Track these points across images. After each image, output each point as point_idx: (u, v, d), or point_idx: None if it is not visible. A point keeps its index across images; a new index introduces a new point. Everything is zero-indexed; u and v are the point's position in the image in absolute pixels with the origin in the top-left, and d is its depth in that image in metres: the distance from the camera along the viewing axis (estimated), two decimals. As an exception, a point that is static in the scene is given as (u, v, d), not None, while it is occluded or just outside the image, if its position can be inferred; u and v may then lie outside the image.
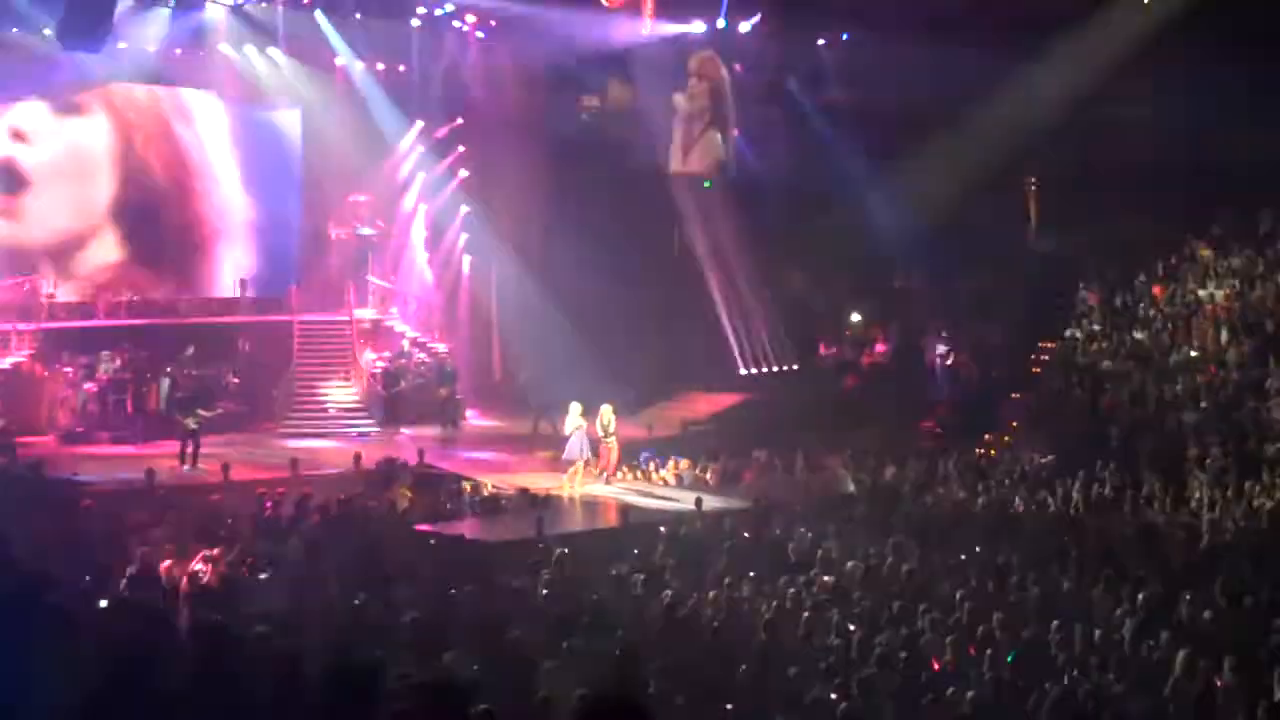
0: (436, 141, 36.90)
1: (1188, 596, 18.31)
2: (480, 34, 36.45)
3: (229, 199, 35.28)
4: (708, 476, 29.27)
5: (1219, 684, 14.47)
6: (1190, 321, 34.52)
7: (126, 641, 8.12)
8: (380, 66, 35.74)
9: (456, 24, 35.93)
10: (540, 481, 27.87)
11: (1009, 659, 15.09)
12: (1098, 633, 16.68)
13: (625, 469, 29.44)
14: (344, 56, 35.28)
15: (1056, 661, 15.36)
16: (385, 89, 35.87)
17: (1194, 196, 36.61)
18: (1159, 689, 14.47)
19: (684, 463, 29.91)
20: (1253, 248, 35.68)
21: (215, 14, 33.25)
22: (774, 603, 17.11)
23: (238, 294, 35.09)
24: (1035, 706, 13.73)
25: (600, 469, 28.50)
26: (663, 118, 39.53)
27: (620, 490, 27.81)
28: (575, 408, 28.22)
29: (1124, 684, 14.52)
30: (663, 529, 23.08)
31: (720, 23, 38.65)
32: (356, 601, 16.89)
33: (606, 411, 28.70)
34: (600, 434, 28.38)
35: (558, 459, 28.74)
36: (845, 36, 39.73)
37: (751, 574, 19.00)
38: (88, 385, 31.22)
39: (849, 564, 20.23)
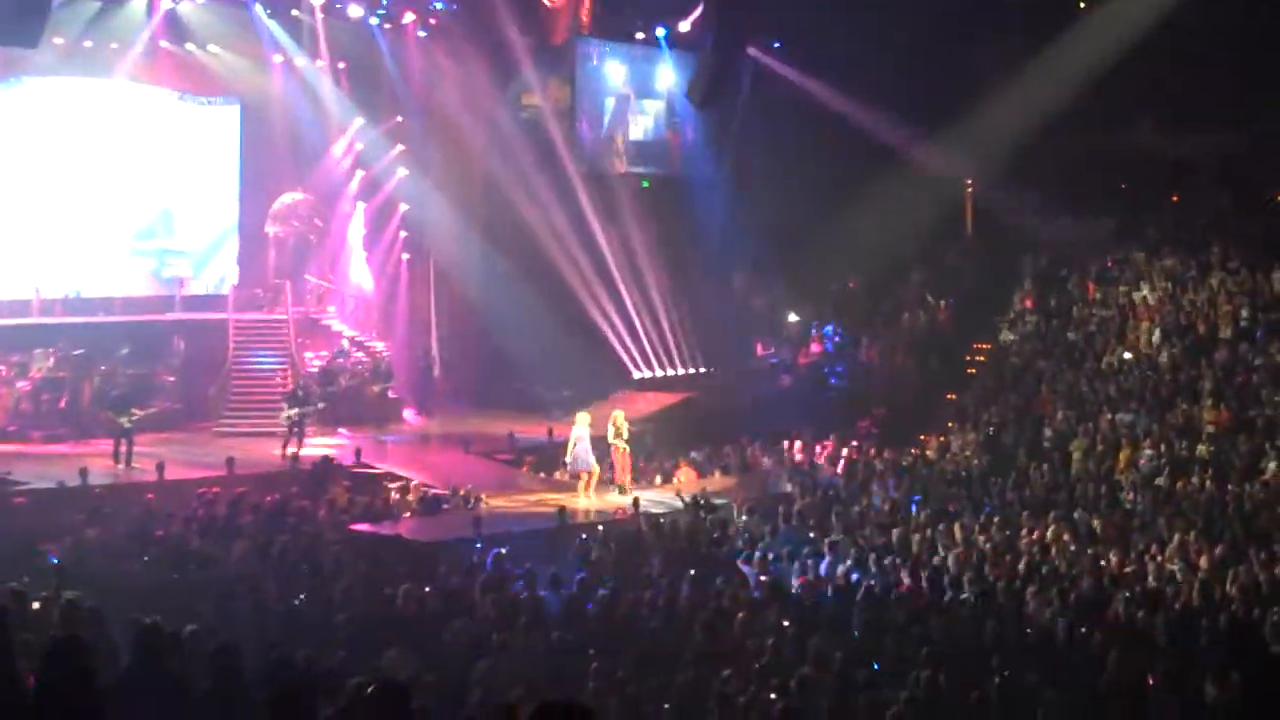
0: (375, 140, 36.72)
1: (1127, 594, 18.51)
2: (421, 32, 36.33)
3: (164, 195, 34.96)
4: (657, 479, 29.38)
5: (1150, 684, 14.60)
6: (1124, 323, 34.87)
7: (61, 640, 8.05)
8: (319, 64, 35.50)
9: (398, 21, 35.77)
10: (480, 481, 27.79)
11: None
12: (1031, 632, 16.83)
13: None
14: (283, 53, 35.05)
15: (991, 662, 15.45)
16: (324, 86, 35.65)
17: (1129, 198, 37.10)
18: (1092, 689, 14.59)
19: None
20: (1185, 250, 36.06)
21: (152, 8, 32.93)
22: (711, 603, 17.14)
23: (174, 292, 34.78)
24: (970, 706, 13.84)
25: (612, 477, 28.25)
26: (601, 116, 39.72)
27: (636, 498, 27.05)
28: (583, 417, 27.92)
29: (1057, 684, 14.62)
30: (600, 528, 23.08)
31: (660, 31, 38.97)
32: (295, 602, 16.85)
33: (619, 417, 28.44)
34: (612, 440, 28.14)
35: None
36: (776, 45, 39.96)
37: (690, 573, 19.02)
38: (21, 384, 30.93)
39: (785, 564, 20.35)
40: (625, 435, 28.15)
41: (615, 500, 26.78)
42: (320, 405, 31.95)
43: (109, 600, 14.09)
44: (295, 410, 29.92)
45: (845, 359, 38.77)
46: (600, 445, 27.80)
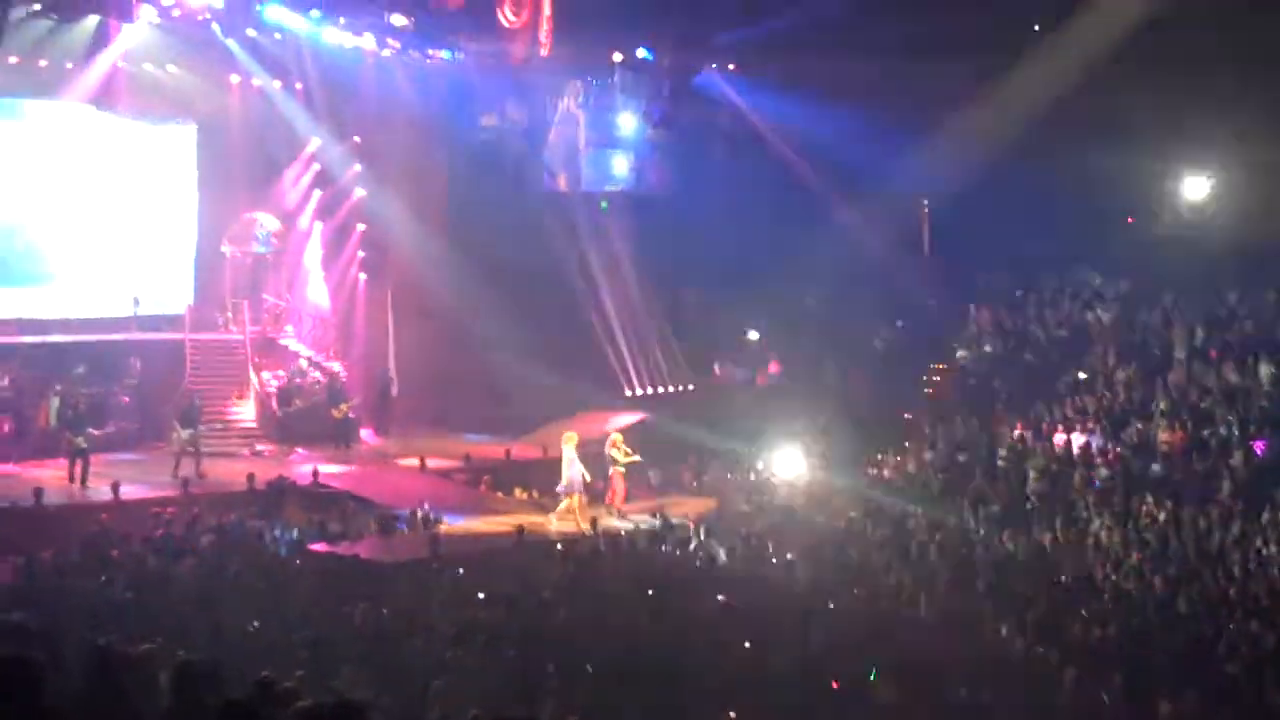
0: (334, 159, 36.62)
1: (1083, 612, 18.63)
2: (383, 52, 36.18)
3: (122, 215, 34.79)
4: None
5: (1106, 702, 14.69)
6: (1079, 343, 35.08)
7: (7, 661, 7.99)
8: (277, 84, 35.40)
9: (356, 41, 35.64)
10: (438, 501, 27.69)
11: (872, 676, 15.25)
12: (988, 651, 16.91)
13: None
14: (240, 72, 34.94)
15: (947, 680, 15.51)
16: (282, 106, 35.55)
17: (1084, 219, 37.34)
18: (1049, 707, 14.67)
19: None
20: (1139, 270, 36.32)
21: (107, 27, 32.74)
22: (669, 623, 17.16)
23: (131, 312, 34.56)
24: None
25: (608, 500, 28.24)
26: (557, 137, 39.84)
27: (630, 522, 27.07)
28: (571, 436, 27.97)
29: (1014, 702, 14.69)
30: (559, 548, 23.09)
31: (616, 56, 39.11)
32: (253, 625, 16.78)
33: (618, 440, 28.44)
34: (618, 462, 28.14)
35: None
36: (731, 67, 40.12)
37: (648, 593, 19.05)
38: (-25, 405, 30.70)
39: (745, 583, 20.39)
40: (622, 459, 28.19)
41: (614, 524, 26.64)
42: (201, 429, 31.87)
43: (63, 621, 14.00)
44: (189, 431, 29.70)
45: (804, 378, 38.87)
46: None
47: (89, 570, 20.07)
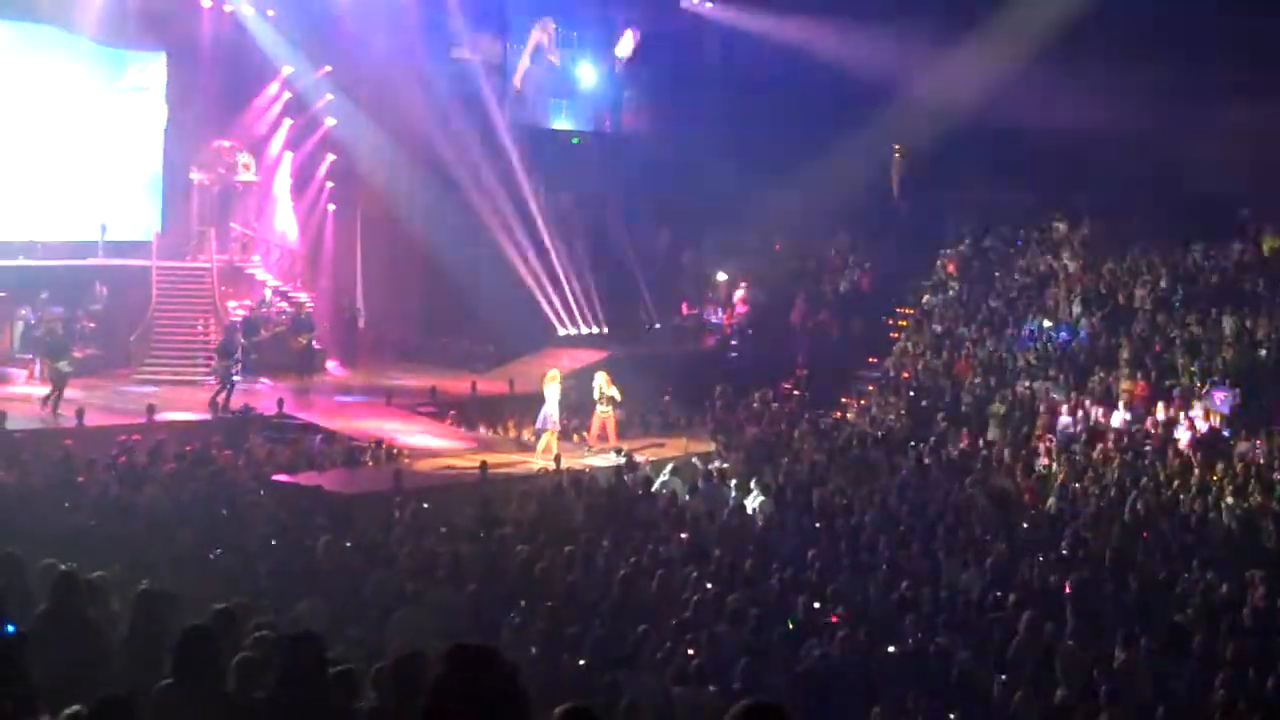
0: (305, 88, 36.40)
1: (1040, 558, 18.79)
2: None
3: (90, 139, 34.52)
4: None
5: (1061, 646, 14.84)
6: (1044, 291, 35.26)
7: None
8: (250, 10, 35.15)
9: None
10: (400, 434, 27.74)
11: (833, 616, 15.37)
12: (945, 594, 17.04)
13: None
14: (211, -2, 34.72)
15: (905, 621, 15.64)
16: (254, 33, 35.30)
17: (1052, 169, 37.44)
18: (1003, 650, 14.82)
19: None
20: (1106, 220, 36.47)
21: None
22: (630, 559, 17.24)
23: (97, 238, 34.36)
24: (883, 665, 14.03)
25: (598, 436, 28.16)
26: (528, 73, 39.80)
27: (596, 459, 26.83)
28: (554, 374, 27.84)
29: (970, 645, 14.83)
30: (522, 483, 23.15)
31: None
32: (215, 554, 16.82)
33: (601, 378, 28.26)
34: (602, 402, 28.02)
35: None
36: (710, 4, 40.07)
37: (610, 530, 19.13)
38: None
39: (705, 522, 20.49)
40: (605, 397, 28.05)
41: (589, 461, 26.61)
42: (252, 356, 31.77)
43: (26, 546, 14.01)
44: (228, 362, 29.74)
45: (770, 320, 39.00)
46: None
47: (54, 496, 20.02)
